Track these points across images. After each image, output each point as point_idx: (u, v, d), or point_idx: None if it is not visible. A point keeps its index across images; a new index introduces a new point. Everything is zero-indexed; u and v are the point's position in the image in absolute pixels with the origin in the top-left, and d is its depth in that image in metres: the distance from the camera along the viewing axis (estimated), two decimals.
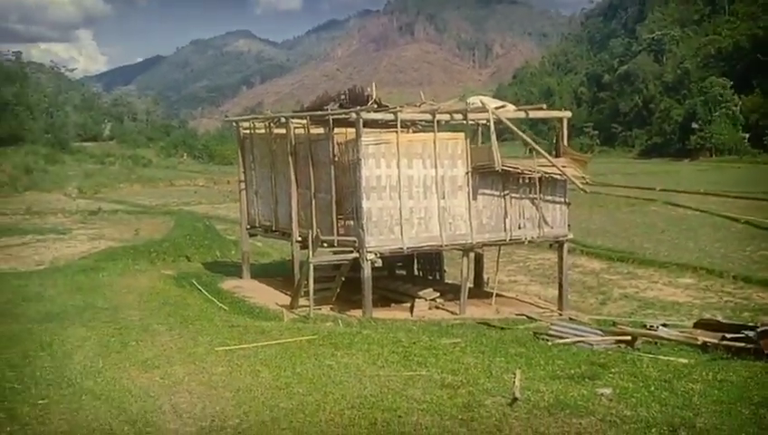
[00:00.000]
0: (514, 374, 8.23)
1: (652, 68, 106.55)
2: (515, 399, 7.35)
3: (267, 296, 16.90)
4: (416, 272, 20.39)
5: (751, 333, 10.22)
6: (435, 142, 15.64)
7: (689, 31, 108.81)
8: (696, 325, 12.23)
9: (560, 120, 17.26)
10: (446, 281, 19.56)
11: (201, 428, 6.96)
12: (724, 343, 10.60)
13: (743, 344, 10.19)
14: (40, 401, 7.71)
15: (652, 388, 8.00)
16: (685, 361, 9.63)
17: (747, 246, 25.11)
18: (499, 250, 18.11)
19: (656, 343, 11.45)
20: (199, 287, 17.43)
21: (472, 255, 17.46)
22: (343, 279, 15.93)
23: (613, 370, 8.85)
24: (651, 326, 12.65)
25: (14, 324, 11.68)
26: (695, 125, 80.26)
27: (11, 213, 37.41)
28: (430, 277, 19.95)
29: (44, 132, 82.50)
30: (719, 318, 13.96)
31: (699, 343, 10.95)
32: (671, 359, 9.73)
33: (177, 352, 9.99)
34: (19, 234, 28.29)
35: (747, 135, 77.89)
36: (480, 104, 16.25)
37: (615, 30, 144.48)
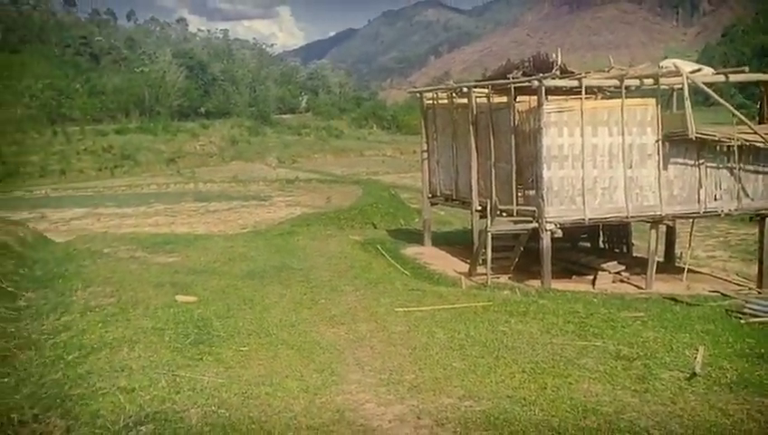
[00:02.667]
0: (697, 350, 7.93)
1: None
2: (695, 374, 7.13)
3: (447, 263, 17.31)
4: (601, 244, 19.80)
5: None
6: (622, 109, 15.02)
7: None
8: None
9: (765, 83, 15.81)
10: (634, 255, 18.81)
11: (380, 380, 7.48)
12: None
13: None
14: (242, 348, 8.63)
15: None
16: None
17: None
18: (693, 223, 17.07)
19: None
20: (383, 253, 18.24)
21: (662, 228, 16.65)
22: (522, 249, 15.91)
23: None
24: None
25: (222, 280, 13.00)
26: None
27: (219, 181, 41.24)
28: (616, 250, 19.28)
29: (248, 106, 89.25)
30: None
31: None
32: None
33: (361, 311, 10.69)
34: (226, 200, 31.22)
35: None
36: (673, 68, 15.30)
37: None
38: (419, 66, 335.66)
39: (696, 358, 7.59)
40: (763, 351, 8.23)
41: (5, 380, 7.08)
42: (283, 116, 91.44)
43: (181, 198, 33.27)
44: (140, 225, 24.25)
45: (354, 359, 8.26)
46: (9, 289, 11.00)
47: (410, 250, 19.26)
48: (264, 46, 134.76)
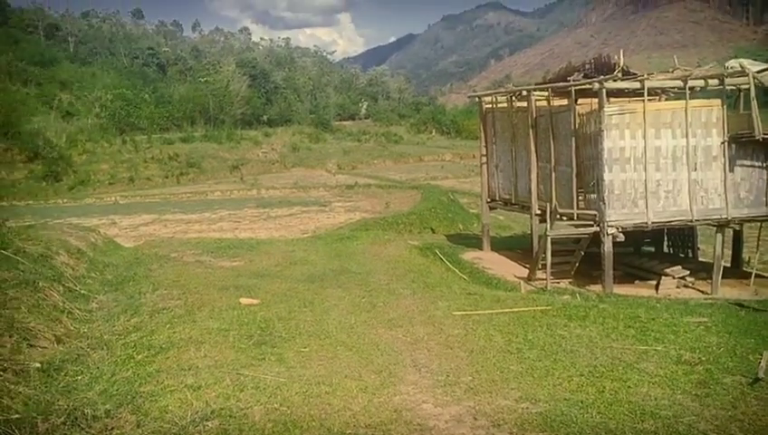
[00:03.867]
0: (761, 355, 7.74)
1: None
2: (758, 379, 6.97)
3: (505, 268, 17.24)
4: (665, 249, 19.39)
5: None
6: (686, 110, 14.73)
7: None
8: None
9: None
10: (700, 259, 18.36)
11: (437, 381, 7.56)
12: None
13: None
14: (303, 349, 8.82)
15: None
16: None
17: None
18: (761, 227, 16.57)
19: None
20: (441, 257, 18.28)
21: (728, 231, 16.22)
22: (583, 253, 15.73)
23: None
24: None
25: (283, 284, 13.26)
26: None
27: (281, 187, 41.95)
28: (681, 255, 18.86)
29: (309, 113, 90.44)
30: None
31: None
32: None
33: (419, 314, 10.77)
34: (288, 206, 31.77)
35: None
36: (739, 68, 14.93)
37: None
38: (480, 70, 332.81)
39: (760, 363, 7.42)
40: None
41: (79, 377, 7.42)
42: (344, 122, 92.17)
43: (244, 204, 34.00)
44: (205, 230, 24.90)
45: (411, 361, 8.35)
46: (82, 292, 11.48)
47: (469, 255, 19.23)
48: (324, 54, 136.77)
